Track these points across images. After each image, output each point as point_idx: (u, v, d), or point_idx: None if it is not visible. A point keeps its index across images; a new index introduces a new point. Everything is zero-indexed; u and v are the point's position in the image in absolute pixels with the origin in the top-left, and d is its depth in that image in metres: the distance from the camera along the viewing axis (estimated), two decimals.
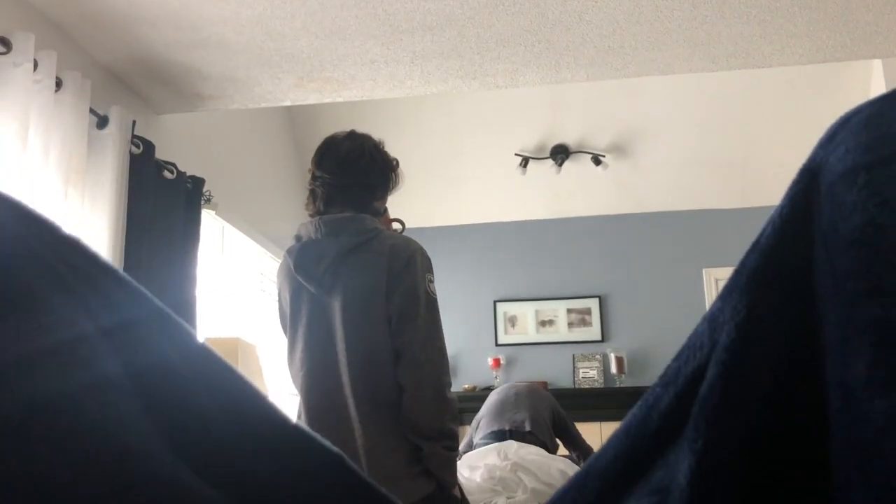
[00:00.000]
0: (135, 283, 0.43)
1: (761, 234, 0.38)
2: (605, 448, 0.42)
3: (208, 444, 0.37)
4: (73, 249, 0.40)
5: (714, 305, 0.39)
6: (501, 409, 3.40)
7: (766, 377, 0.36)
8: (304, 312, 2.01)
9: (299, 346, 2.01)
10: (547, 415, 3.45)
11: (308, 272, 1.99)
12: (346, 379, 1.91)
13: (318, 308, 1.98)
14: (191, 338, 0.41)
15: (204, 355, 0.41)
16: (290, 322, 2.04)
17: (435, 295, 1.97)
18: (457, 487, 1.94)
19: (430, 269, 1.99)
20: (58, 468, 0.30)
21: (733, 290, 0.37)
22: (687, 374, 0.38)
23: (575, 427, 3.63)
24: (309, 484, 0.40)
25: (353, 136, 2.14)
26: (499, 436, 3.23)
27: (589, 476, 0.41)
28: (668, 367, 0.40)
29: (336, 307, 1.95)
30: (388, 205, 2.22)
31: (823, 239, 0.34)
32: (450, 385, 1.94)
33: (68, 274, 0.38)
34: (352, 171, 2.07)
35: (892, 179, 0.32)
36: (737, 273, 0.38)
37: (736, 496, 0.35)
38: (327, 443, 0.42)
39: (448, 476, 1.90)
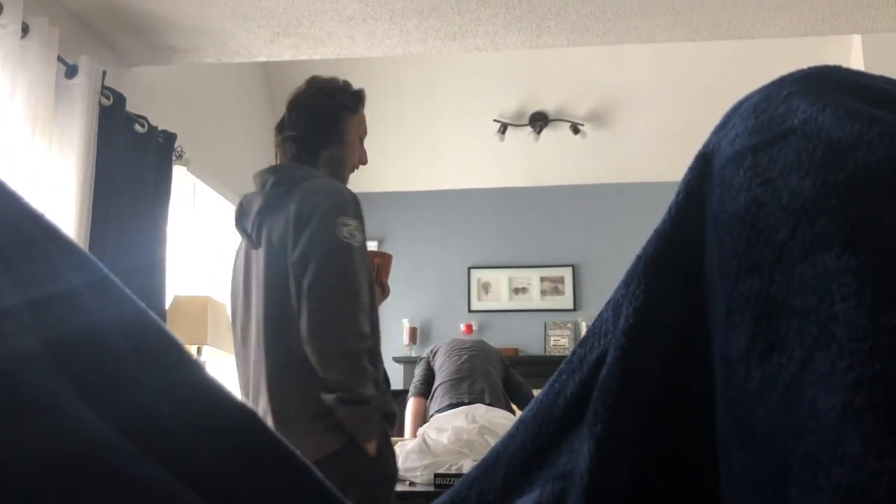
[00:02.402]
0: (82, 249, 0.41)
1: (661, 221, 0.39)
2: (513, 434, 0.42)
3: (142, 414, 0.37)
4: (17, 213, 0.38)
5: (618, 291, 0.40)
6: (458, 381, 3.39)
7: (662, 360, 0.37)
8: (242, 267, 1.98)
9: (239, 301, 1.99)
10: (499, 378, 3.49)
11: (242, 227, 1.96)
12: (262, 333, 1.84)
13: (251, 262, 1.94)
14: (134, 308, 0.40)
15: (147, 327, 0.40)
16: (241, 279, 2.00)
17: (348, 239, 1.77)
18: (374, 443, 1.76)
19: (346, 212, 1.80)
20: None
21: (634, 276, 0.38)
22: (591, 361, 0.39)
23: (518, 377, 3.69)
24: (217, 441, 0.40)
25: (308, 81, 2.04)
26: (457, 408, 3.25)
27: (496, 462, 0.42)
28: (574, 353, 0.41)
29: (261, 260, 1.88)
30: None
31: (713, 220, 0.35)
32: (353, 334, 1.74)
33: (3, 240, 0.36)
34: (298, 121, 1.97)
35: (774, 160, 0.33)
36: (638, 259, 0.39)
37: (633, 479, 0.36)
38: (243, 402, 0.42)
39: (358, 432, 1.74)
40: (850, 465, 0.25)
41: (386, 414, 1.82)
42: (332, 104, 1.99)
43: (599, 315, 0.41)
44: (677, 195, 0.38)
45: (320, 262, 1.75)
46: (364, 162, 2.07)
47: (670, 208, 0.38)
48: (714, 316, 0.34)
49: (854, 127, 0.32)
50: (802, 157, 0.32)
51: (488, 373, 3.46)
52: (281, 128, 2.00)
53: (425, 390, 3.61)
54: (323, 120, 1.97)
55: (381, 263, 2.08)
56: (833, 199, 0.30)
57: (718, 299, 0.34)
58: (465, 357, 3.54)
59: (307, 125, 1.96)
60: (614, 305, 0.39)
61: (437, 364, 3.61)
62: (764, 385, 0.29)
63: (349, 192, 1.86)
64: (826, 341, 0.28)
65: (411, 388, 3.71)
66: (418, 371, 3.75)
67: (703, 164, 0.38)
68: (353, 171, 2.06)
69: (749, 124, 0.36)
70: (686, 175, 0.38)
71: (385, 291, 2.07)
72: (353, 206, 1.83)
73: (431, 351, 3.77)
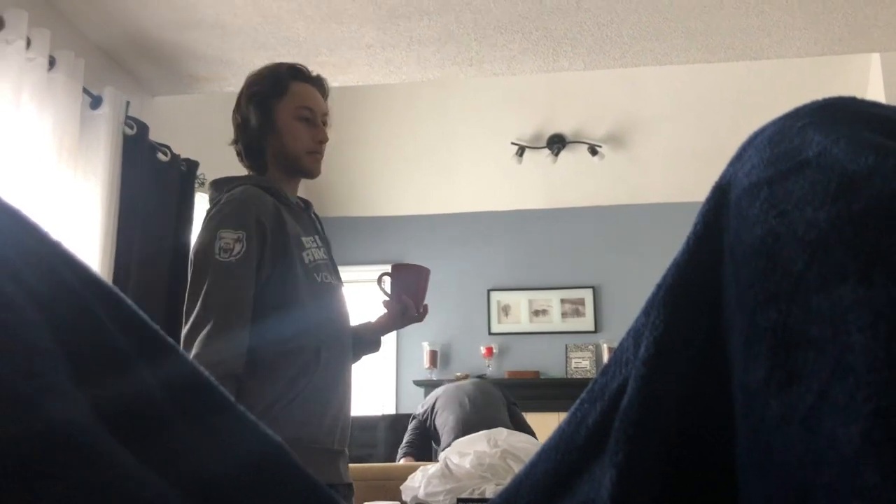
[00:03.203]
0: (106, 283, 0.43)
1: (679, 251, 0.39)
2: (535, 463, 0.42)
3: (170, 450, 0.37)
4: (46, 251, 0.40)
5: (638, 320, 0.40)
6: (467, 433, 3.27)
7: (682, 389, 0.37)
8: None
9: None
10: (507, 420, 3.40)
11: None
12: None
13: None
14: (161, 342, 0.42)
15: (173, 359, 0.42)
16: None
17: (219, 255, 1.59)
18: None
19: (223, 225, 1.61)
20: None
21: (654, 306, 0.39)
22: (612, 390, 0.39)
23: (521, 416, 3.61)
24: (249, 475, 0.40)
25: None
26: None
27: (519, 491, 0.42)
28: (596, 381, 0.41)
29: None
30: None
31: (731, 251, 0.36)
32: (199, 359, 1.51)
33: (34, 280, 0.37)
34: (234, 131, 1.81)
35: (789, 192, 0.33)
36: (657, 288, 0.39)
37: None
38: (273, 434, 0.43)
39: None
40: (869, 496, 0.25)
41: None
42: (246, 99, 1.78)
43: (620, 344, 0.41)
44: (695, 226, 0.39)
45: (189, 283, 1.63)
46: (322, 140, 1.80)
47: (688, 239, 0.39)
48: (733, 346, 0.35)
49: (868, 159, 0.32)
50: (817, 189, 0.32)
51: (496, 419, 3.36)
52: None
53: (414, 451, 3.49)
54: (244, 119, 1.77)
55: (394, 277, 1.85)
56: (848, 231, 0.30)
57: (737, 330, 0.34)
58: (468, 407, 3.41)
59: (237, 131, 1.80)
60: (635, 335, 0.40)
61: (440, 421, 3.47)
62: (782, 415, 0.30)
63: (237, 201, 1.65)
64: (843, 372, 0.28)
65: (402, 447, 3.56)
66: (411, 430, 3.61)
67: (720, 195, 0.38)
68: (313, 155, 1.80)
69: (764, 156, 0.36)
70: (703, 206, 0.39)
71: (408, 311, 1.83)
72: (234, 216, 1.62)
73: (427, 410, 3.61)
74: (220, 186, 1.77)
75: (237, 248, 1.60)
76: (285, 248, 1.67)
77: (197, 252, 1.63)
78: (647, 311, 0.39)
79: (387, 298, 1.87)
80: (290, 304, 1.67)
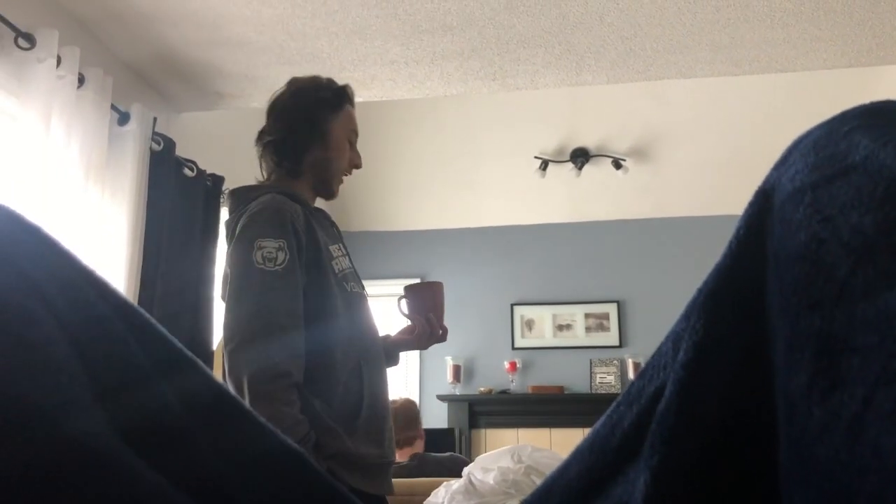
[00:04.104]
0: (129, 301, 0.43)
1: (722, 256, 0.39)
2: (568, 464, 0.42)
3: (194, 465, 0.38)
4: (68, 268, 0.40)
5: (678, 325, 0.40)
6: None
7: (721, 394, 0.37)
8: None
9: None
10: None
11: None
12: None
13: None
14: (181, 357, 0.42)
15: (193, 375, 0.42)
16: None
17: (261, 264, 1.54)
18: None
19: (263, 234, 1.56)
20: None
21: (694, 310, 0.39)
22: (649, 393, 0.39)
23: None
24: (270, 485, 0.40)
25: (288, 83, 1.84)
26: None
27: (551, 491, 0.42)
28: (633, 385, 0.41)
29: None
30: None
31: (774, 257, 0.35)
32: (262, 373, 1.48)
33: (41, 278, 0.37)
34: (277, 124, 1.77)
35: (834, 197, 0.33)
36: (698, 293, 0.39)
37: None
38: (292, 443, 0.43)
39: None
40: None
41: (340, 457, 1.55)
42: (310, 101, 1.77)
43: (659, 348, 0.41)
44: (737, 231, 0.38)
45: (230, 296, 1.58)
46: (358, 166, 1.84)
47: (731, 244, 0.38)
48: (775, 352, 0.34)
49: None
50: (863, 193, 0.32)
51: None
52: (260, 135, 1.81)
53: None
54: (302, 119, 1.75)
55: (409, 298, 1.84)
56: (895, 236, 0.30)
57: (780, 336, 0.33)
58: None
59: (286, 127, 1.76)
60: (674, 338, 0.39)
61: None
62: (826, 423, 0.29)
63: (272, 209, 1.61)
64: (889, 379, 0.27)
65: None
66: None
67: (764, 200, 0.38)
68: (343, 176, 1.82)
69: (809, 160, 0.36)
70: (746, 211, 0.38)
71: (433, 331, 1.82)
72: (272, 225, 1.58)
73: None
74: (242, 196, 1.74)
75: (280, 256, 1.56)
76: (318, 258, 1.65)
77: (237, 263, 1.58)
78: (687, 316, 0.39)
79: (408, 319, 1.85)
80: (327, 315, 1.63)
